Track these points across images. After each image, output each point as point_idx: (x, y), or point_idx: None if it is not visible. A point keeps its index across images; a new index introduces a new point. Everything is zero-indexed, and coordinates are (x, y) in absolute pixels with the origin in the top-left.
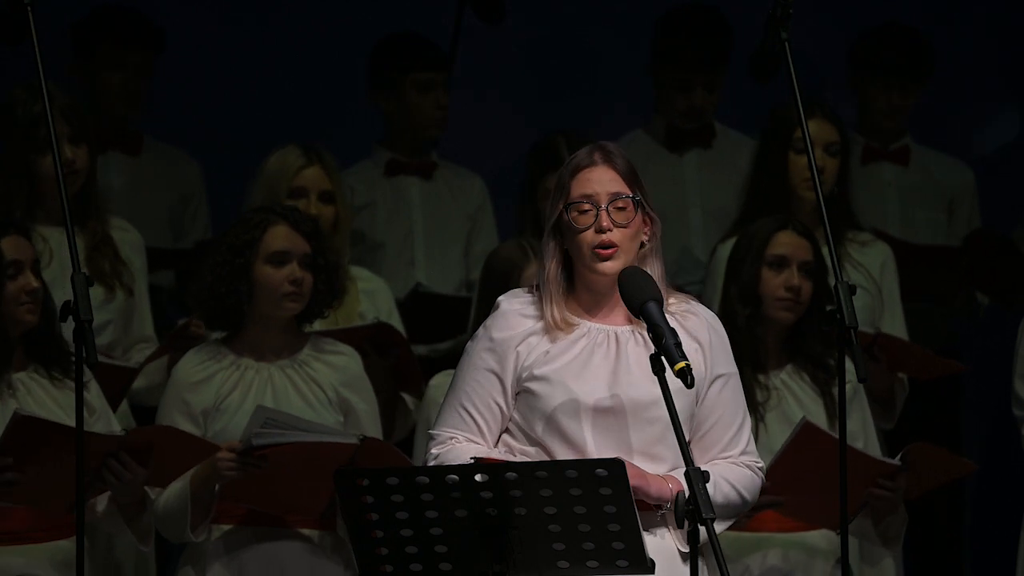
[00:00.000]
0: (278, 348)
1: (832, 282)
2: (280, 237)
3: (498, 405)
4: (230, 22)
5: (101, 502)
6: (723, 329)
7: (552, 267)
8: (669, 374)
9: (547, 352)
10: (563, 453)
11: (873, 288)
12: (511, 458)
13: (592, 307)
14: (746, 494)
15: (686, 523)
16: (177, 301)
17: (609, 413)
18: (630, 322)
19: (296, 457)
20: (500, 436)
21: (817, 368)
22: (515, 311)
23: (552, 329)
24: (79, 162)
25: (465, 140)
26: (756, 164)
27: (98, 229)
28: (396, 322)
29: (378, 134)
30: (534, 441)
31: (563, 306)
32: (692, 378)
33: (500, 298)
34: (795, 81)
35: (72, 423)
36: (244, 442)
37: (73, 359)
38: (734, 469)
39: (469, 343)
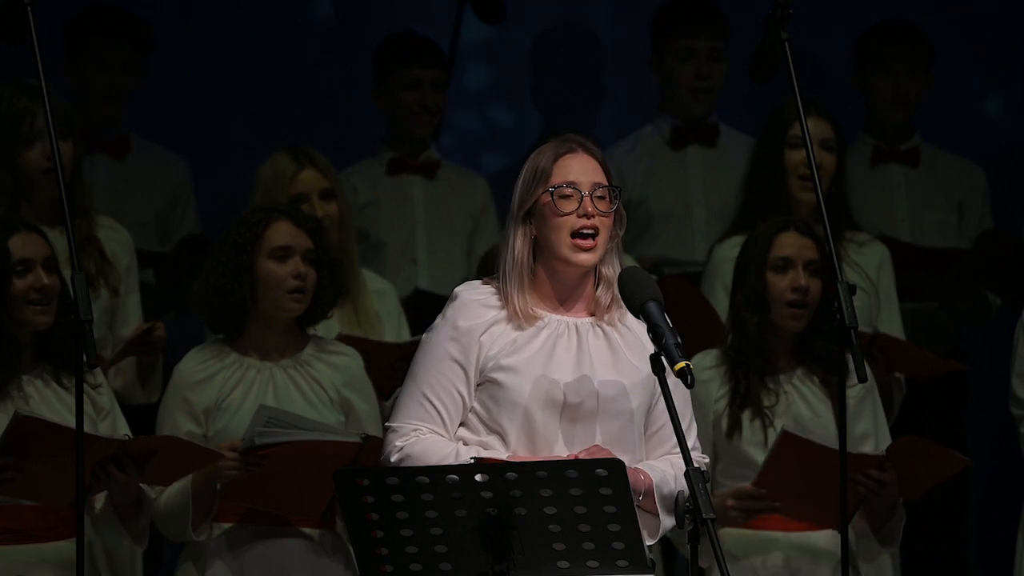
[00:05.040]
0: (281, 348)
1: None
2: (282, 232)
3: (460, 395)
4: (231, 21)
5: (99, 501)
6: None
7: (522, 254)
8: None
9: (513, 341)
10: (525, 443)
11: (870, 288)
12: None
13: (555, 299)
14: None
15: (686, 523)
16: (161, 300)
17: (576, 406)
18: (590, 315)
19: (298, 456)
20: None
21: (828, 372)
22: (476, 301)
23: (516, 317)
24: (64, 158)
25: (466, 140)
26: (753, 163)
27: (83, 227)
28: (403, 323)
29: (380, 133)
30: (493, 430)
31: (527, 296)
32: (692, 377)
33: (458, 288)
34: (795, 81)
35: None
36: (247, 441)
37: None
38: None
39: (427, 334)
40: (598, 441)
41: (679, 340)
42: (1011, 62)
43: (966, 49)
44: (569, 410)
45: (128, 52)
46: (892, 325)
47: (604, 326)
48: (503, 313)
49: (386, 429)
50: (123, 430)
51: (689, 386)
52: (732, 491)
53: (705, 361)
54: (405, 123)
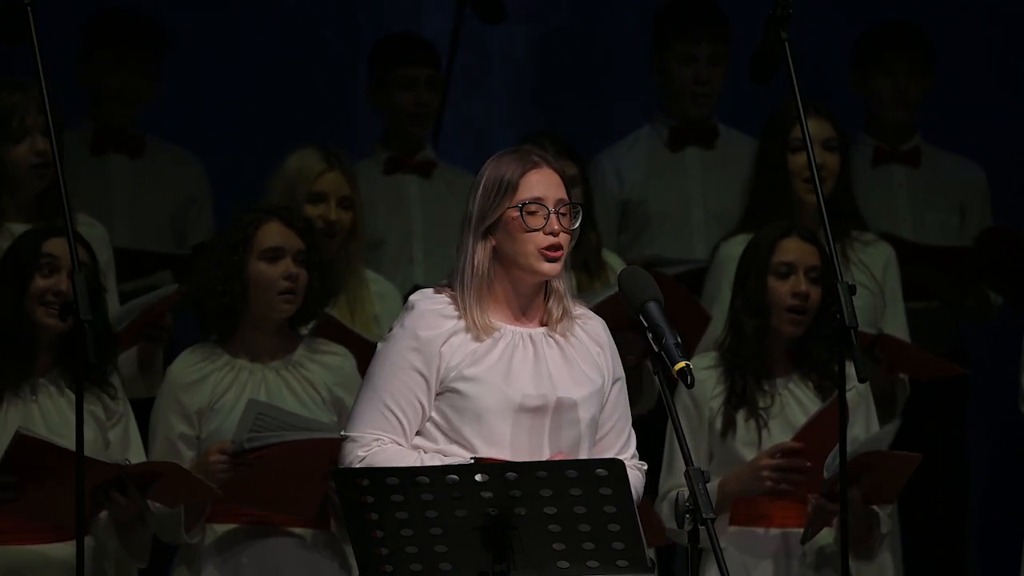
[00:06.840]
0: (273, 349)
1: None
2: (273, 233)
3: (421, 405)
4: (231, 22)
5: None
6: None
7: (483, 266)
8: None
9: (474, 352)
10: (487, 452)
11: (875, 288)
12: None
13: (512, 310)
14: (638, 495)
15: (686, 522)
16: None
17: (536, 414)
18: (542, 324)
19: (289, 456)
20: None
21: (823, 377)
22: (435, 311)
23: (474, 328)
24: (49, 156)
25: (465, 140)
26: (756, 165)
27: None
28: None
29: (379, 133)
30: (453, 440)
31: (486, 307)
32: (692, 377)
33: (412, 297)
34: (795, 81)
35: (86, 435)
36: (236, 444)
37: (97, 368)
38: (632, 472)
39: (383, 344)
40: (559, 448)
41: (679, 340)
42: (1011, 61)
43: (966, 48)
44: (529, 419)
45: (137, 56)
46: (897, 325)
47: (556, 336)
48: (461, 323)
49: (344, 439)
50: (134, 437)
51: (689, 386)
52: (769, 450)
53: (703, 362)
54: (401, 123)
